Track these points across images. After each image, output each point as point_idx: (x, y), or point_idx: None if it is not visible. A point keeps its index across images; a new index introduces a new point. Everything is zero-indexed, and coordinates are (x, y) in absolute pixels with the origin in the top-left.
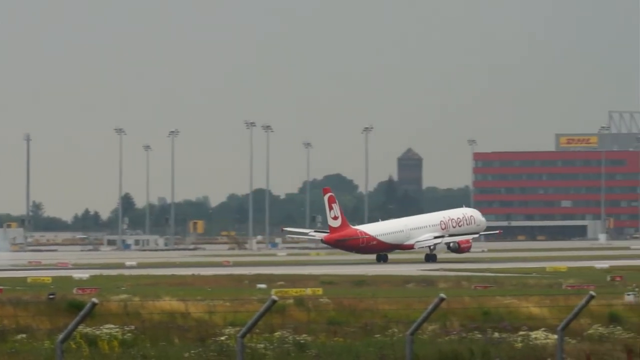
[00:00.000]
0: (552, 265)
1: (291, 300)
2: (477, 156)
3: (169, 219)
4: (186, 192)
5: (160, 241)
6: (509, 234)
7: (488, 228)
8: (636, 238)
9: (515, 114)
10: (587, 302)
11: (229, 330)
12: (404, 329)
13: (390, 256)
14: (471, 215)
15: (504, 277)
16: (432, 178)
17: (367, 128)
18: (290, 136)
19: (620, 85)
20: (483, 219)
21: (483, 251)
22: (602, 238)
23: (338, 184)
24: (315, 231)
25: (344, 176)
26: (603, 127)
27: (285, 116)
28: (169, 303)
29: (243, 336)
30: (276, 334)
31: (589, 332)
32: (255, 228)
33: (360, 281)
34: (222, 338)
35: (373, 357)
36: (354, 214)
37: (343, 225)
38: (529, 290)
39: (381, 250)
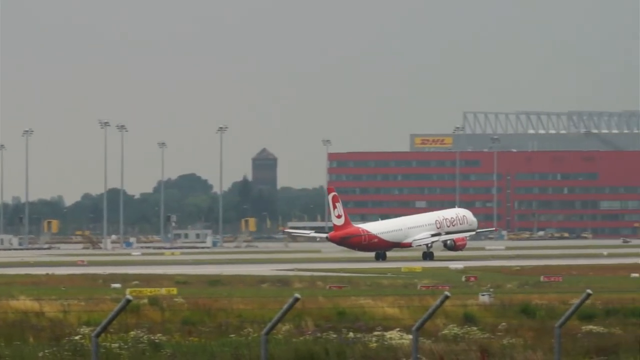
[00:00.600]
0: (407, 265)
1: (145, 300)
2: (332, 156)
3: (23, 218)
4: (40, 191)
5: (15, 240)
6: None
7: None
8: (491, 239)
9: (370, 115)
10: (442, 302)
11: (84, 329)
12: (259, 329)
13: (389, 254)
14: (464, 215)
15: (358, 278)
16: (286, 178)
17: (221, 128)
18: (145, 136)
19: (475, 86)
20: (474, 219)
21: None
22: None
23: (193, 184)
24: (315, 232)
25: (199, 176)
26: (458, 128)
27: (139, 116)
28: (23, 302)
29: (97, 335)
30: (131, 333)
31: (444, 332)
32: (109, 227)
33: (215, 281)
34: (77, 337)
35: (228, 356)
36: (209, 214)
37: (346, 224)
38: (383, 290)
39: (381, 248)
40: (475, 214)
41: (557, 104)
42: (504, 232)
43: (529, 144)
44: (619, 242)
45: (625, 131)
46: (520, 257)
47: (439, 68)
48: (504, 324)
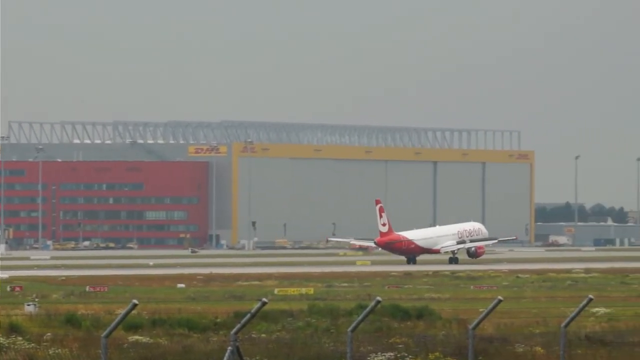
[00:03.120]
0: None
1: None
2: None
3: None
4: None
5: None
6: None
7: None
8: (36, 248)
9: None
10: None
11: None
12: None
13: (419, 259)
14: (479, 228)
15: None
16: None
17: None
18: None
19: (20, 96)
20: (486, 230)
21: None
22: (2, 248)
23: None
24: (355, 239)
25: None
26: (3, 137)
27: None
28: None
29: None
30: None
31: None
32: None
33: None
34: None
35: None
36: None
37: (389, 231)
38: None
39: (416, 252)
40: (21, 224)
41: (102, 114)
42: (49, 242)
43: (75, 154)
44: (164, 252)
45: (171, 142)
46: (66, 267)
47: None
48: (49, 334)
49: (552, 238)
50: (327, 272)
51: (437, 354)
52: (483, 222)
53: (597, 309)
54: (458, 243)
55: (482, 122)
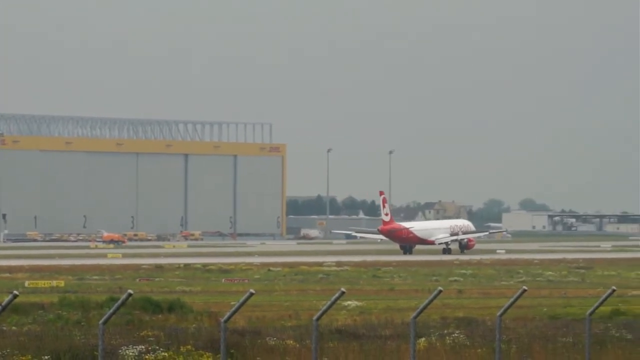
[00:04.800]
0: None
1: None
2: None
3: None
4: None
5: None
6: None
7: None
8: None
9: None
10: None
11: None
12: None
13: (415, 249)
14: (468, 224)
15: None
16: None
17: None
18: None
19: None
20: (474, 227)
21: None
22: None
23: None
24: (355, 230)
25: None
26: None
27: None
28: None
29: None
30: None
31: None
32: None
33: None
34: None
35: None
36: None
37: (391, 221)
38: None
39: (414, 242)
40: None
41: None
42: None
43: None
44: None
45: None
46: None
47: None
48: None
49: (304, 231)
50: (78, 265)
51: (188, 347)
52: (235, 215)
53: (349, 302)
54: (452, 235)
55: (233, 115)
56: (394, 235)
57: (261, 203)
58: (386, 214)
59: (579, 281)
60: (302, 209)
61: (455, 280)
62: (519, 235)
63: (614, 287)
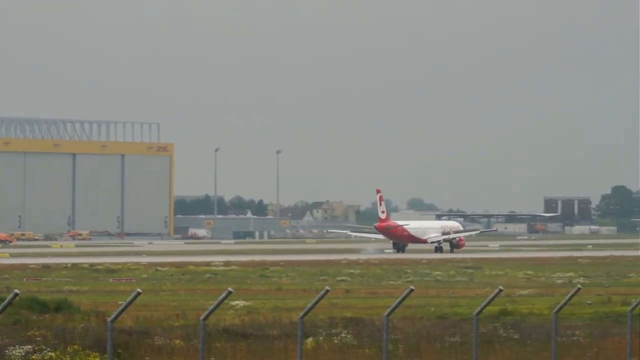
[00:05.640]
0: None
1: None
2: None
3: None
4: None
5: None
6: None
7: None
8: None
9: None
10: None
11: None
12: None
13: (407, 248)
14: (457, 225)
15: None
16: None
17: None
18: None
19: None
20: (462, 228)
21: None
22: None
23: None
24: (351, 230)
25: None
26: None
27: None
28: None
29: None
30: None
31: None
32: None
33: None
34: None
35: None
36: None
37: (387, 218)
38: None
39: (407, 239)
40: None
41: None
42: None
43: None
44: None
45: None
46: None
47: None
48: None
49: (191, 231)
50: None
51: (75, 347)
52: (122, 215)
53: (236, 302)
54: (446, 233)
55: (121, 114)
56: (389, 232)
57: (149, 203)
58: (382, 212)
59: (467, 281)
60: (190, 208)
61: (343, 280)
62: None
63: (501, 287)
